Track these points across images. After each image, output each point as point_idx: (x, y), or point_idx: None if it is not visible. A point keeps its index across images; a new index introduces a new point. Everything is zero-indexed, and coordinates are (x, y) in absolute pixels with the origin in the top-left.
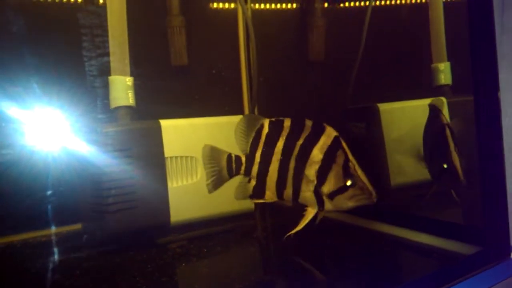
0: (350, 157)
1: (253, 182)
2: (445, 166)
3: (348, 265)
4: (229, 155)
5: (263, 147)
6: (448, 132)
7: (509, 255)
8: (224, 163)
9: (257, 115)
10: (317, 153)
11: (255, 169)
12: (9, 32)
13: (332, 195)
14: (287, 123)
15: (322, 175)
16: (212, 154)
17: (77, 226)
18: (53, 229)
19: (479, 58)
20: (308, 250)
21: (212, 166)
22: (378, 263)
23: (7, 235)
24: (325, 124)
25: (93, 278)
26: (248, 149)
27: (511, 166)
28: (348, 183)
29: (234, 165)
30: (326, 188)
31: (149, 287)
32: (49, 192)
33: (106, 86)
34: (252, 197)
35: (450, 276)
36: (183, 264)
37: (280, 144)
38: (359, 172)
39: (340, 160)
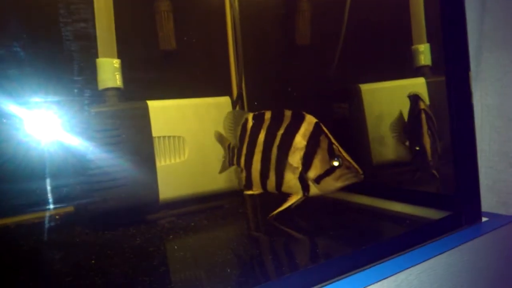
0: (333, 140)
1: (244, 173)
2: (417, 148)
3: (329, 232)
4: (229, 144)
5: (248, 140)
6: (423, 116)
7: (481, 219)
8: (226, 151)
9: (241, 110)
10: (300, 140)
11: (242, 160)
12: None
13: (318, 179)
14: (268, 115)
15: (307, 161)
16: (219, 140)
17: (69, 208)
18: (46, 211)
19: (450, 40)
20: (291, 222)
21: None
22: (355, 229)
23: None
24: (304, 112)
25: (84, 251)
26: (238, 142)
27: (481, 140)
28: (335, 163)
29: (230, 155)
30: (313, 173)
31: (137, 256)
32: (40, 174)
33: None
34: (244, 187)
35: (424, 235)
36: (171, 237)
37: (261, 136)
38: (344, 153)
39: (324, 144)
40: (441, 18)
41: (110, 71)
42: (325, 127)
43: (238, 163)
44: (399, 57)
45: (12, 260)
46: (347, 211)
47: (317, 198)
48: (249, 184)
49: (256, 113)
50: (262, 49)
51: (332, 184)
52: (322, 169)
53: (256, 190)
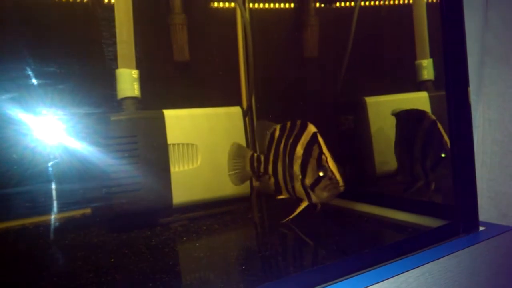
0: (324, 150)
1: (272, 180)
2: (443, 155)
3: (335, 237)
4: (253, 154)
5: (274, 149)
6: (439, 125)
7: (478, 228)
8: (248, 160)
9: (269, 122)
10: (299, 149)
11: (270, 168)
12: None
13: (312, 187)
14: (288, 125)
15: (303, 169)
16: (239, 151)
17: (87, 210)
18: (65, 212)
19: (450, 56)
20: (300, 227)
21: (237, 162)
22: (359, 235)
23: (20, 218)
24: (308, 122)
25: (103, 250)
26: (266, 150)
27: (482, 153)
28: (321, 174)
29: (256, 164)
30: (308, 181)
31: (153, 256)
32: (58, 177)
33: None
34: (275, 193)
35: (423, 242)
36: (184, 239)
37: (281, 145)
38: (331, 163)
39: (315, 153)
40: (442, 35)
41: (128, 81)
42: (331, 138)
43: (266, 171)
44: (403, 71)
45: (34, 258)
46: (352, 218)
47: (325, 205)
48: (278, 189)
49: (282, 124)
50: (271, 61)
51: (322, 193)
52: (313, 178)
53: (284, 195)
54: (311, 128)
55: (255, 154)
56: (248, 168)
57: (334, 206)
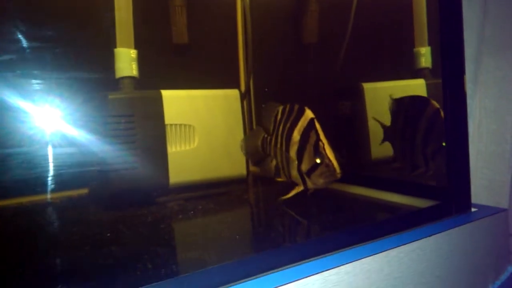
0: (321, 136)
1: (274, 162)
2: (444, 144)
3: (330, 216)
4: (264, 136)
5: (275, 132)
6: (442, 113)
7: (470, 208)
8: (259, 142)
9: (275, 102)
10: (296, 135)
11: (272, 150)
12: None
13: (308, 173)
14: (287, 108)
15: (300, 155)
16: (255, 132)
17: (84, 190)
18: (63, 191)
19: (447, 45)
20: (297, 207)
21: (251, 142)
22: (355, 214)
23: (17, 196)
24: (305, 107)
25: (99, 226)
26: (270, 132)
27: (478, 142)
28: (318, 160)
29: (264, 145)
30: (304, 167)
31: (149, 231)
32: (55, 157)
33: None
34: (275, 175)
35: (416, 220)
36: (180, 216)
37: (280, 129)
38: (328, 150)
39: (312, 140)
40: (440, 24)
41: (127, 60)
42: (327, 122)
43: (270, 152)
44: (401, 58)
45: (31, 233)
46: (347, 200)
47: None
48: (278, 172)
49: (283, 106)
50: (270, 45)
51: (318, 180)
52: (310, 164)
53: (283, 177)
54: (309, 114)
55: (266, 136)
56: (260, 148)
57: (329, 189)
